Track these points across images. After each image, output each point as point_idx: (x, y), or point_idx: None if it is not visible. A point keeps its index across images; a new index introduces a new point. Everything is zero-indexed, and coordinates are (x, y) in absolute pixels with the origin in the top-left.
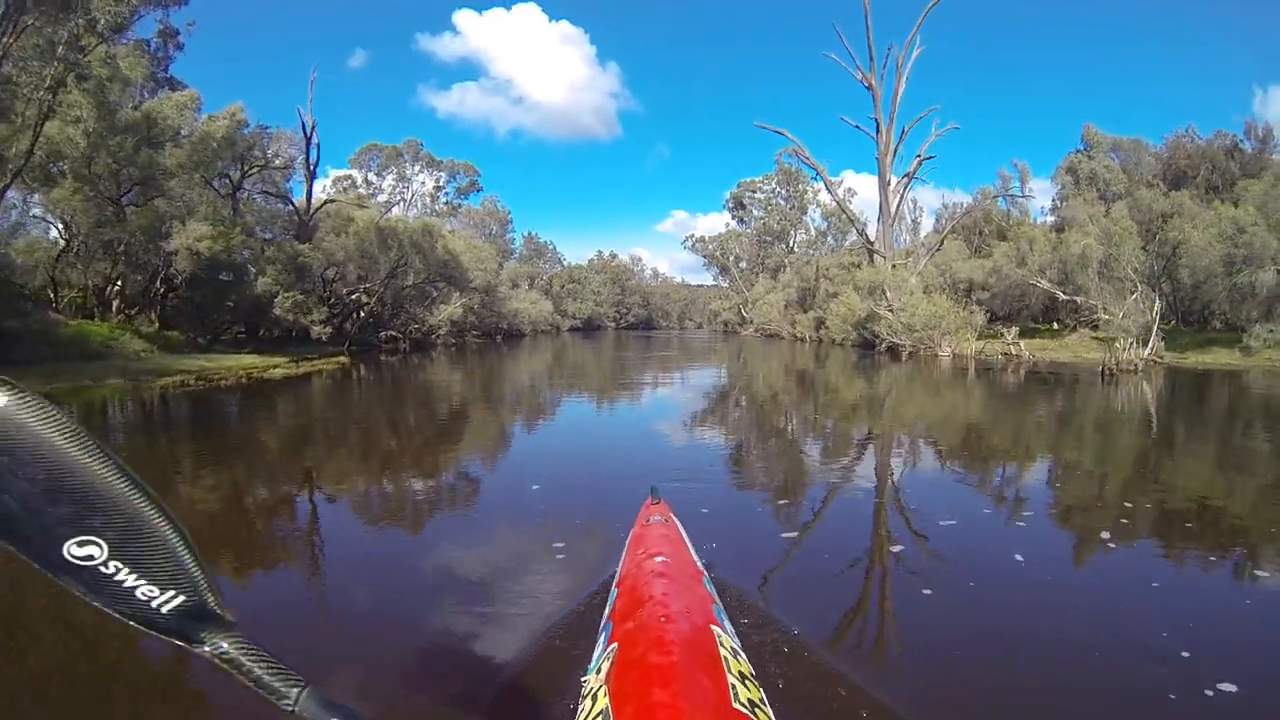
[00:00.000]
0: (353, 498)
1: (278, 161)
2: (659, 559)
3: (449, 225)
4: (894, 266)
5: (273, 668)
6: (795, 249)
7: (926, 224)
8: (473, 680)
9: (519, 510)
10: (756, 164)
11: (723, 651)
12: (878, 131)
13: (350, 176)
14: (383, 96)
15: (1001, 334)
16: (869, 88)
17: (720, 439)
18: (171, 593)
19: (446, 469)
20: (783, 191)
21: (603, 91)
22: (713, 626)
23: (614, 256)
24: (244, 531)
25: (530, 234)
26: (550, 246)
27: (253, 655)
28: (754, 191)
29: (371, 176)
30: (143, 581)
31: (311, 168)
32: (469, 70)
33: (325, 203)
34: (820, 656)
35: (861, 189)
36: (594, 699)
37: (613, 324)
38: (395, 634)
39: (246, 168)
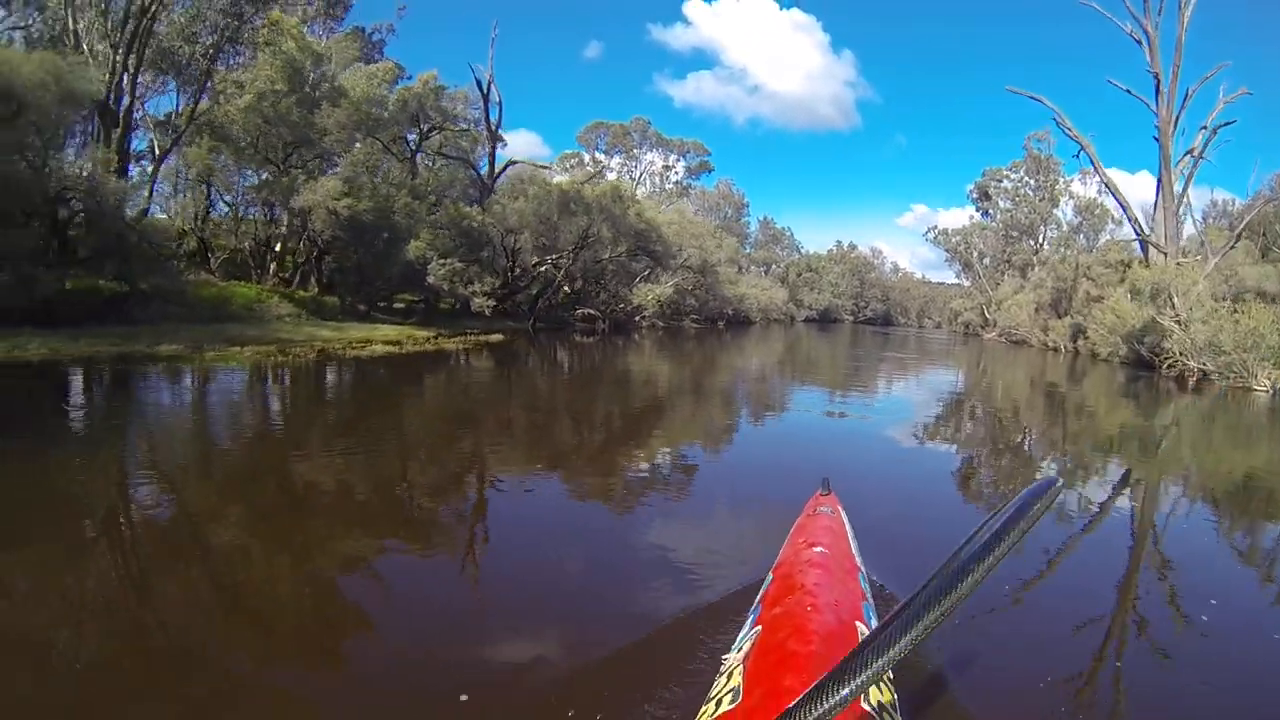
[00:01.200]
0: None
1: (459, 124)
2: (817, 549)
3: (685, 206)
4: (1178, 265)
5: None
6: (1045, 246)
7: (1188, 227)
8: (628, 639)
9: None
10: (1001, 157)
11: None
12: (1156, 94)
13: (578, 155)
14: (619, 85)
15: None
16: (1144, 34)
17: (947, 459)
18: None
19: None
20: (1031, 182)
21: (838, 80)
22: (858, 622)
23: (853, 248)
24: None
25: (766, 218)
26: (788, 233)
27: None
28: (1000, 181)
29: (600, 155)
30: None
31: (494, 128)
32: (702, 60)
33: (507, 165)
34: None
35: (1125, 187)
36: (729, 676)
37: (850, 317)
38: (574, 589)
39: (424, 129)
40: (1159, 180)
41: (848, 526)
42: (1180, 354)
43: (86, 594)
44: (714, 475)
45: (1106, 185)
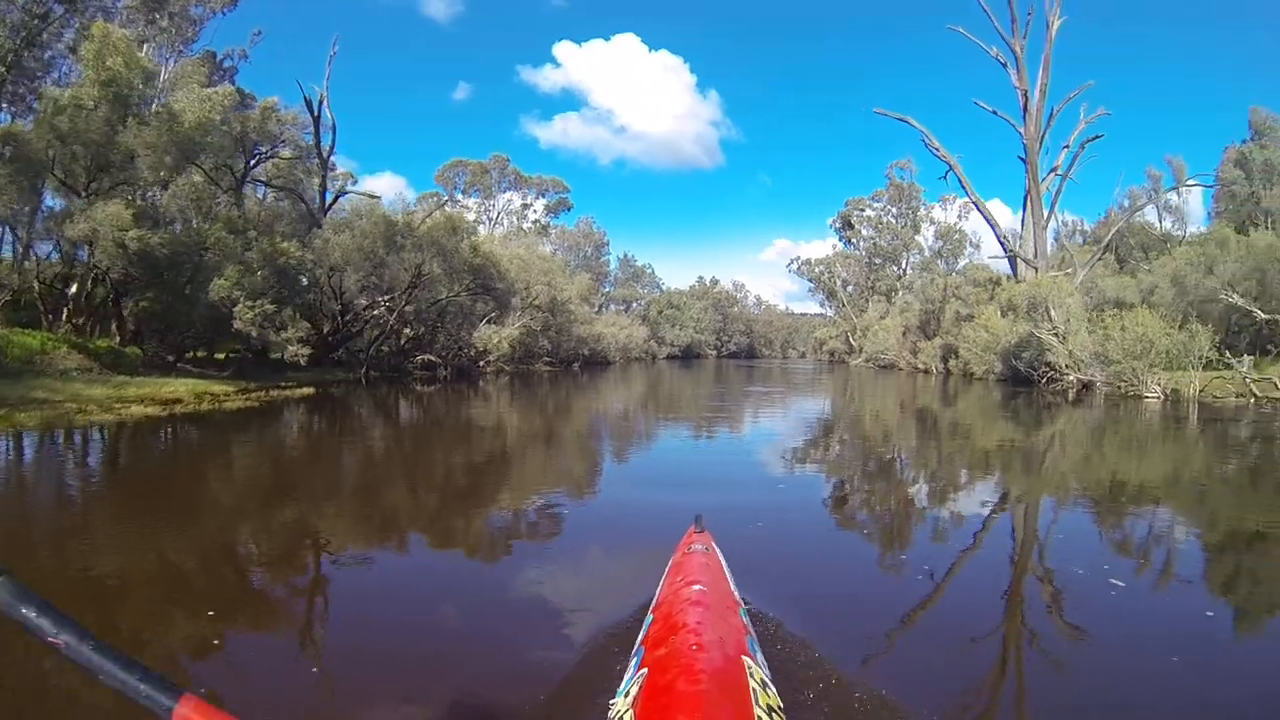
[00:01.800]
0: None
1: (285, 151)
2: (695, 587)
3: (543, 246)
4: (1052, 278)
5: None
6: (908, 272)
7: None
8: (506, 697)
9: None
10: (863, 188)
11: (752, 683)
12: (1023, 113)
13: (436, 195)
14: (486, 127)
15: (1230, 365)
16: (1011, 54)
17: (818, 487)
18: None
19: None
20: (894, 210)
21: (704, 120)
22: (744, 657)
23: (715, 283)
24: None
25: (626, 255)
26: (649, 270)
27: None
28: (862, 210)
29: (459, 195)
30: None
31: (325, 154)
32: (570, 101)
33: (337, 195)
34: None
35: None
36: None
37: (713, 352)
38: (432, 644)
39: (251, 157)
40: (1026, 196)
41: (723, 562)
42: (1065, 367)
43: None
44: (580, 522)
45: (974, 204)
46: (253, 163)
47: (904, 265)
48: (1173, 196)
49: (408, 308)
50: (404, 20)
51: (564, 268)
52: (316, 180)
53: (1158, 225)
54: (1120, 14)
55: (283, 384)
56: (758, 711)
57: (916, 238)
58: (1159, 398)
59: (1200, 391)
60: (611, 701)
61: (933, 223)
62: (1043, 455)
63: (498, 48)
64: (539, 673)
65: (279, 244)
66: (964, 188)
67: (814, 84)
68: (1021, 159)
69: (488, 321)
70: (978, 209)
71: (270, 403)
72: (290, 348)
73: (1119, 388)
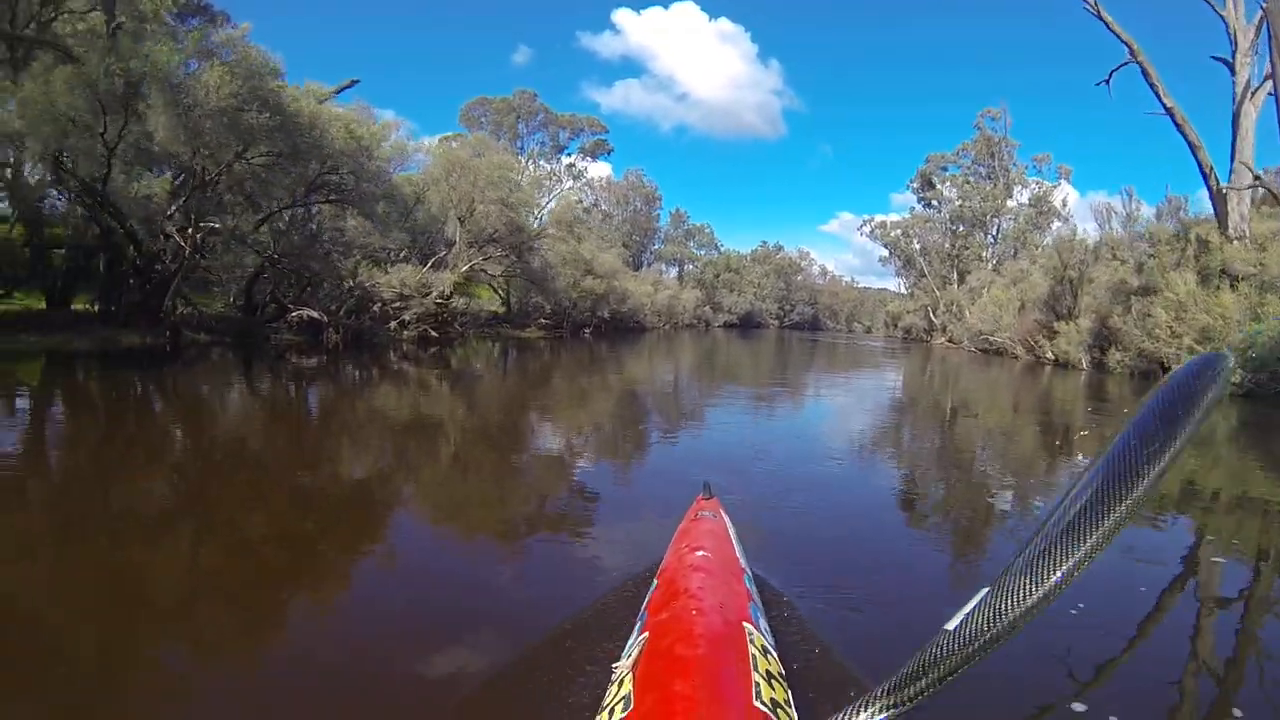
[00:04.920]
0: None
1: None
2: (699, 553)
3: (577, 198)
4: None
5: None
6: (998, 240)
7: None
8: (507, 661)
9: None
10: (936, 149)
11: (752, 649)
12: None
13: (460, 137)
14: (547, 92)
15: None
16: None
17: None
18: None
19: None
20: (982, 168)
21: (765, 90)
22: (745, 624)
23: (779, 248)
24: None
25: (678, 210)
26: (707, 229)
27: None
28: (945, 167)
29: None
30: None
31: None
32: (630, 68)
33: None
34: None
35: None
36: (620, 685)
37: (775, 322)
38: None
39: None
40: (1234, 113)
41: (730, 528)
42: None
43: None
44: None
45: (1167, 110)
46: None
47: (995, 231)
48: None
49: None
50: None
51: (517, 178)
52: None
53: None
54: None
55: None
56: (756, 676)
57: (1009, 202)
58: None
59: None
60: (615, 665)
61: (1025, 186)
62: None
63: (557, 13)
64: (546, 635)
65: None
66: (1148, 80)
67: (877, 56)
68: (1223, 60)
69: (416, 262)
70: (1171, 117)
71: None
72: None
73: None
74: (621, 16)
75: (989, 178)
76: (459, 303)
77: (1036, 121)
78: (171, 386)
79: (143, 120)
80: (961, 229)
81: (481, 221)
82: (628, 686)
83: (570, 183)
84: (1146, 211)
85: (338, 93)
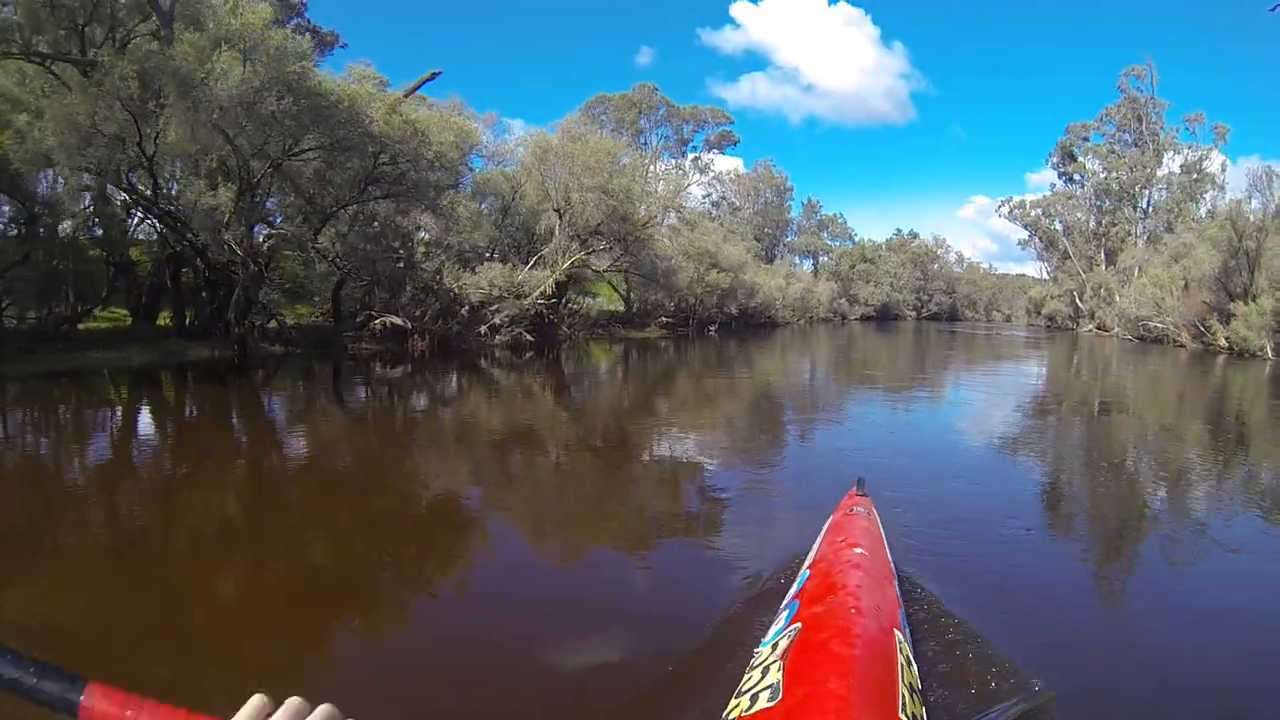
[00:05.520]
0: None
1: None
2: (858, 550)
3: (705, 192)
4: None
5: None
6: (1152, 213)
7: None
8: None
9: None
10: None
11: (900, 658)
12: None
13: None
14: (673, 91)
15: None
16: None
17: None
18: None
19: None
20: (1128, 135)
21: (891, 73)
22: (896, 630)
23: (915, 235)
24: None
25: (811, 200)
26: (840, 219)
27: None
28: (1087, 138)
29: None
30: None
31: None
32: (754, 61)
33: None
34: None
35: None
36: (764, 671)
37: (912, 313)
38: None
39: None
40: None
41: (882, 529)
42: None
43: None
44: None
45: None
46: None
47: (1146, 204)
48: None
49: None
50: None
51: (638, 170)
52: None
53: None
54: None
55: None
56: (902, 687)
57: (1159, 170)
58: None
59: None
60: (757, 650)
61: (1176, 151)
62: None
63: (675, 12)
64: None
65: None
66: None
67: (1005, 26)
68: None
69: (515, 263)
70: None
71: None
72: None
73: None
74: (740, 10)
75: (1136, 145)
76: (579, 302)
77: (1188, 77)
78: (213, 404)
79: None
80: (1107, 204)
81: (581, 213)
82: (775, 675)
83: (697, 176)
84: None
85: (418, 87)
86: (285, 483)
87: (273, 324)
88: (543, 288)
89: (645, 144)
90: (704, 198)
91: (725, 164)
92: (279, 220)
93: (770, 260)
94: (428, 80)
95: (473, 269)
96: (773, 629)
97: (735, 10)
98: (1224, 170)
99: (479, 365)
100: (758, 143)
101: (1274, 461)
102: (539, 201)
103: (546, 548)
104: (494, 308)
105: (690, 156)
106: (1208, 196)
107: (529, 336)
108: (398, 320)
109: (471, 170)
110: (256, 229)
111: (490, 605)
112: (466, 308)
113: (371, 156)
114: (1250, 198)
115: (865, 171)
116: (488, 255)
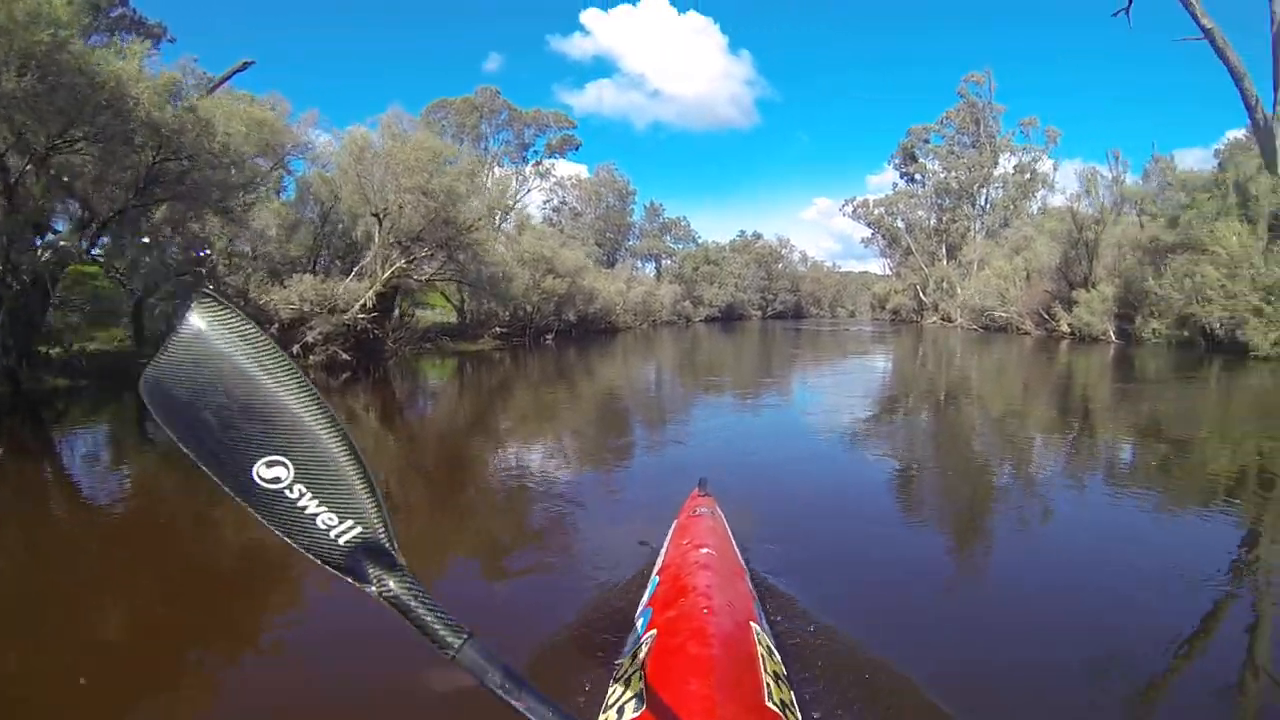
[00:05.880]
0: None
1: None
2: (704, 550)
3: (545, 198)
4: None
5: (438, 614)
6: (989, 210)
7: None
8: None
9: None
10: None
11: (760, 650)
12: None
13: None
14: (520, 98)
15: None
16: None
17: None
18: (350, 523)
19: None
20: (967, 137)
21: (738, 80)
22: (752, 623)
23: (758, 236)
24: None
25: (653, 203)
26: (683, 222)
27: (420, 599)
28: (928, 139)
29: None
30: (324, 509)
31: None
32: (602, 68)
33: None
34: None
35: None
36: (627, 683)
37: (757, 313)
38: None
39: None
40: (1275, 41)
41: (728, 527)
42: None
43: None
44: None
45: (1205, 32)
46: None
47: (984, 202)
48: None
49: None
50: None
51: (466, 172)
52: None
53: None
54: None
55: None
56: (765, 677)
57: (996, 170)
58: None
59: None
60: (617, 661)
61: (1012, 152)
62: None
63: (525, 16)
64: (539, 634)
65: None
66: (1218, 49)
67: (848, 35)
68: None
69: (337, 275)
70: (1210, 40)
71: None
72: None
73: None
74: (590, 17)
75: (974, 146)
76: (412, 314)
77: (1024, 84)
78: None
79: None
80: (947, 202)
81: (400, 217)
82: (637, 684)
83: (539, 181)
84: (1131, 178)
85: (227, 78)
86: (65, 544)
87: (57, 351)
88: (362, 300)
89: (486, 149)
90: (545, 203)
91: (568, 170)
92: (61, 228)
93: (612, 265)
94: (239, 70)
95: (283, 282)
96: (630, 639)
97: (585, 17)
98: (1055, 170)
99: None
100: (603, 149)
101: (1112, 431)
102: (357, 206)
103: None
104: (304, 325)
105: (531, 164)
106: (1039, 195)
107: (345, 355)
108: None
109: (291, 173)
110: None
111: (311, 664)
112: (276, 325)
113: (150, 150)
114: (1082, 197)
115: (710, 176)
116: (307, 267)
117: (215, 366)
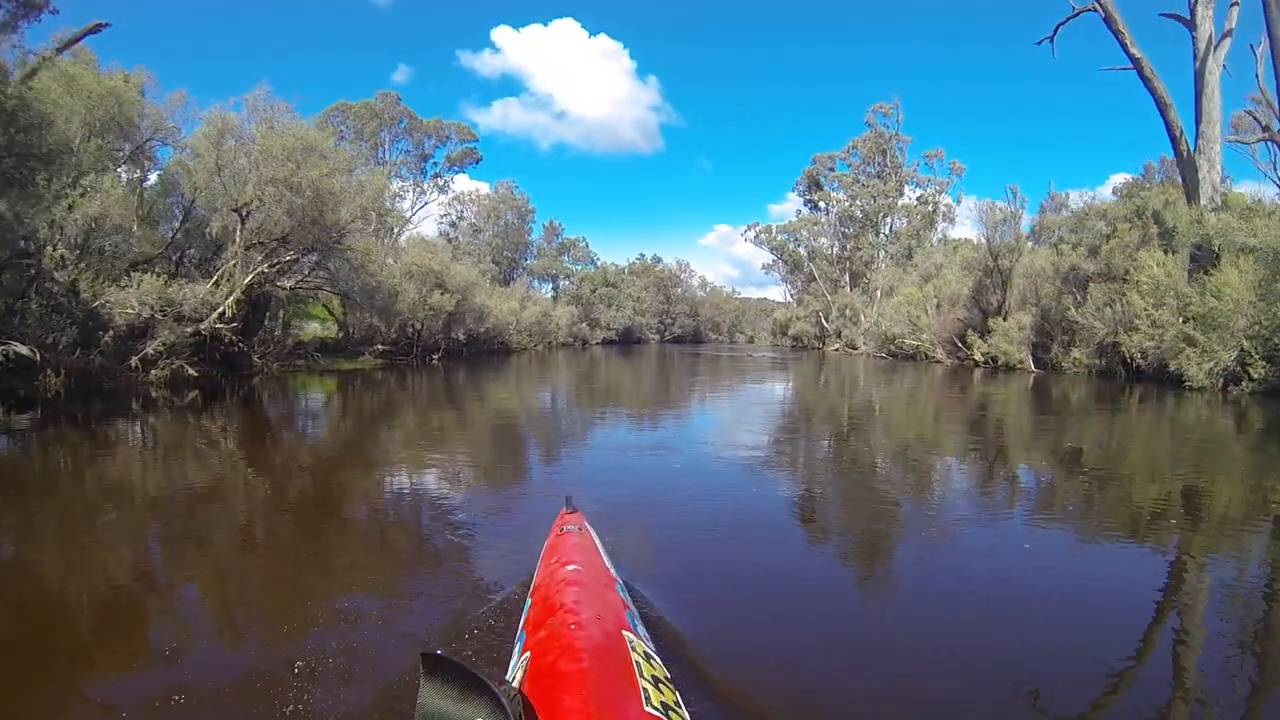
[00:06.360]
0: None
1: None
2: (570, 567)
3: (443, 212)
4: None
5: None
6: (893, 239)
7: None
8: (386, 687)
9: None
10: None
11: (634, 656)
12: None
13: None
14: (425, 111)
15: None
16: None
17: None
18: None
19: None
20: (873, 167)
21: (644, 105)
22: (624, 632)
23: (658, 260)
24: None
25: (552, 222)
26: (583, 243)
27: None
28: (832, 168)
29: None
30: None
31: None
32: (510, 86)
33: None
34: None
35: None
36: None
37: (655, 336)
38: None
39: None
40: (1196, 75)
41: (597, 541)
42: None
43: None
44: None
45: (1134, 61)
46: None
47: (888, 230)
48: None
49: None
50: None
51: (346, 168)
52: None
53: None
54: None
55: None
56: (643, 683)
57: (901, 200)
58: None
59: None
60: (501, 687)
61: (916, 183)
62: None
63: (436, 31)
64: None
65: None
66: (1112, 28)
67: (755, 68)
68: (1176, 17)
69: (196, 277)
70: (1138, 70)
71: None
72: None
73: None
74: (501, 35)
75: (880, 176)
76: (298, 326)
77: (929, 116)
78: None
79: None
80: (851, 230)
81: (262, 214)
82: (516, 709)
83: (437, 196)
84: (1026, 216)
85: (77, 40)
86: None
87: None
88: (221, 308)
89: (383, 158)
90: (442, 218)
91: (469, 186)
92: None
93: (509, 283)
94: (91, 32)
95: (120, 284)
96: (510, 663)
97: (496, 34)
98: (960, 202)
99: (130, 410)
100: (506, 168)
101: (1021, 457)
102: (216, 198)
103: (239, 637)
104: (144, 334)
105: (431, 176)
106: (939, 226)
107: (191, 371)
108: (22, 349)
109: (152, 160)
110: None
111: None
112: (110, 333)
113: None
114: (999, 226)
115: (612, 199)
116: (167, 269)
117: None
